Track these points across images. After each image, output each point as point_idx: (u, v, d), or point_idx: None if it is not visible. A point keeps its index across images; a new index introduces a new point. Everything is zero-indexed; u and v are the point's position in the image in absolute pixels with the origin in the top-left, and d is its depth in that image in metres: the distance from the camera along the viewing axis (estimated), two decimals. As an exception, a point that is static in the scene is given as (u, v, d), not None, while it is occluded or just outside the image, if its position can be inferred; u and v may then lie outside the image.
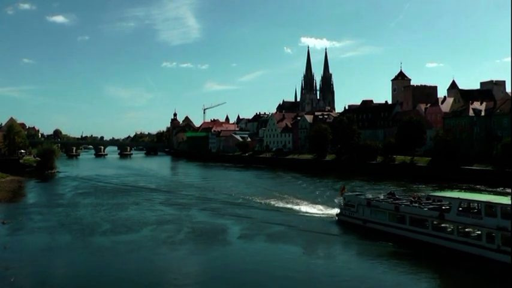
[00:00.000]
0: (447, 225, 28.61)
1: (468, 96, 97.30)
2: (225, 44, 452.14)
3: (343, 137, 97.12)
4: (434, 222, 28.92)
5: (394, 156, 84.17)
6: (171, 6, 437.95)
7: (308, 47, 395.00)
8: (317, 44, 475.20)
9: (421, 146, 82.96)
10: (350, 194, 39.84)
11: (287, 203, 47.19)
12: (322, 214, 40.70)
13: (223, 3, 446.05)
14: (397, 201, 33.39)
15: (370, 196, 38.56)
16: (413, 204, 31.59)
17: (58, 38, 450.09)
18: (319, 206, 44.40)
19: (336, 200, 45.83)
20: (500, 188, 54.07)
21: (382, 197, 36.65)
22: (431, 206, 30.45)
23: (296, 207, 44.20)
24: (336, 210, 39.27)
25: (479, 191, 49.75)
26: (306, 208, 43.52)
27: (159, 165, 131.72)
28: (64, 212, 43.98)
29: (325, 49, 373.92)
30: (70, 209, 46.26)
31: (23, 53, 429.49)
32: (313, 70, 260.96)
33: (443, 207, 29.27)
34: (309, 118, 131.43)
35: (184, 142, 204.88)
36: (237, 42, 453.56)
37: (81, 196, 56.54)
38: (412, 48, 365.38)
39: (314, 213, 41.18)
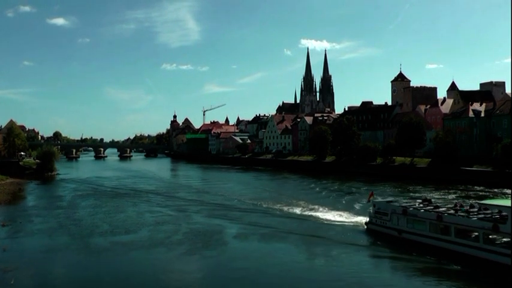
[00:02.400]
0: (502, 237, 25.29)
1: (468, 97, 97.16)
2: (224, 45, 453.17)
3: (343, 138, 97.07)
4: (486, 234, 25.77)
5: (394, 157, 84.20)
6: (171, 9, 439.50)
7: (308, 48, 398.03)
8: (317, 45, 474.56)
9: (420, 147, 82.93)
10: (380, 200, 36.17)
11: (303, 208, 43.94)
12: (347, 222, 37.04)
13: (223, 5, 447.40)
14: (439, 210, 29.90)
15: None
16: (460, 213, 28.34)
17: (58, 40, 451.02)
18: (341, 212, 41.00)
19: (357, 206, 43.94)
20: (500, 189, 54.11)
21: (417, 204, 32.87)
22: (481, 216, 27.11)
23: (314, 214, 40.99)
24: (364, 218, 35.99)
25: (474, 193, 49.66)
26: (325, 215, 40.10)
27: (159, 167, 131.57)
28: (63, 214, 44.02)
29: (325, 51, 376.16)
30: (69, 211, 46.30)
31: (23, 56, 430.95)
32: (313, 72, 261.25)
33: (494, 217, 26.35)
34: (308, 120, 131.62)
35: (184, 144, 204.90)
36: (236, 44, 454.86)
37: (81, 198, 56.56)
38: (412, 49, 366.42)
39: (337, 221, 37.52)
